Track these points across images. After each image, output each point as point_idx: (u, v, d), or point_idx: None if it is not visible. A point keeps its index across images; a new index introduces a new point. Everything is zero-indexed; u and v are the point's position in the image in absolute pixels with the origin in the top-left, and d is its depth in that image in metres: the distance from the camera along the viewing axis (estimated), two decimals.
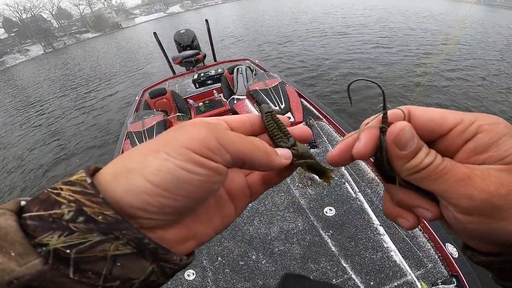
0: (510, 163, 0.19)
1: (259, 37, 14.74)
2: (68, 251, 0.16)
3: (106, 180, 0.18)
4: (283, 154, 0.25)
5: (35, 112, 10.14)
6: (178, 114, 3.85)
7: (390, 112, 0.22)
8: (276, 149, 0.25)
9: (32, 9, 48.73)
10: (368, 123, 0.23)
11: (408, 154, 0.20)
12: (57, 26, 54.55)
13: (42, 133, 7.85)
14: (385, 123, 0.21)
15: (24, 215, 0.17)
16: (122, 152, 3.13)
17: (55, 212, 0.16)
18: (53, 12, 54.12)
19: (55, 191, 0.17)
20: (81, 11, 57.80)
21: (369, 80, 0.25)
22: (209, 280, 1.74)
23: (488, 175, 0.19)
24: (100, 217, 0.17)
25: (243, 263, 1.79)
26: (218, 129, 0.20)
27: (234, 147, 0.20)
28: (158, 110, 3.54)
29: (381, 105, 0.22)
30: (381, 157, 0.22)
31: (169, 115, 3.73)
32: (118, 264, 0.17)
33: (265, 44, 12.66)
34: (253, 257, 1.81)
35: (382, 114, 0.22)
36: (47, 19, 53.76)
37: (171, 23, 34.83)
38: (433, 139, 0.21)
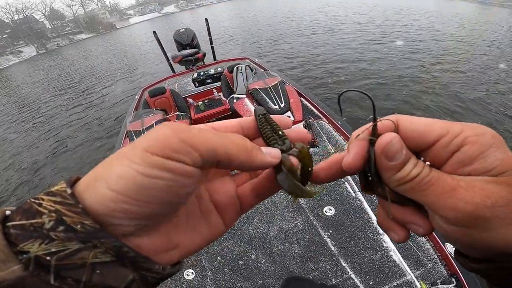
0: (497, 174, 0.19)
1: (254, 35, 14.84)
2: (48, 258, 0.16)
3: (80, 190, 0.18)
4: (270, 153, 0.23)
5: (32, 111, 10.07)
6: (177, 113, 3.82)
7: (380, 123, 0.22)
8: (262, 147, 0.23)
9: (24, 10, 48.16)
10: (358, 135, 0.22)
11: (396, 165, 0.21)
12: (49, 27, 53.96)
13: (39, 132, 7.82)
14: (375, 135, 0.21)
15: (8, 224, 0.17)
16: None
17: (36, 221, 0.17)
18: (46, 13, 53.53)
19: (37, 201, 0.18)
20: (74, 12, 57.32)
21: (359, 91, 0.25)
22: (208, 280, 1.73)
23: (472, 186, 0.19)
24: (79, 226, 0.17)
25: (242, 262, 1.78)
26: (183, 128, 0.19)
27: (203, 145, 0.19)
28: (158, 109, 3.51)
29: (371, 116, 0.22)
30: (369, 169, 0.22)
31: (168, 114, 3.71)
32: (98, 271, 0.18)
33: (261, 41, 12.75)
34: (253, 256, 1.80)
35: (371, 126, 0.22)
36: (40, 20, 53.19)
37: (166, 23, 34.75)
38: (419, 150, 0.21)
